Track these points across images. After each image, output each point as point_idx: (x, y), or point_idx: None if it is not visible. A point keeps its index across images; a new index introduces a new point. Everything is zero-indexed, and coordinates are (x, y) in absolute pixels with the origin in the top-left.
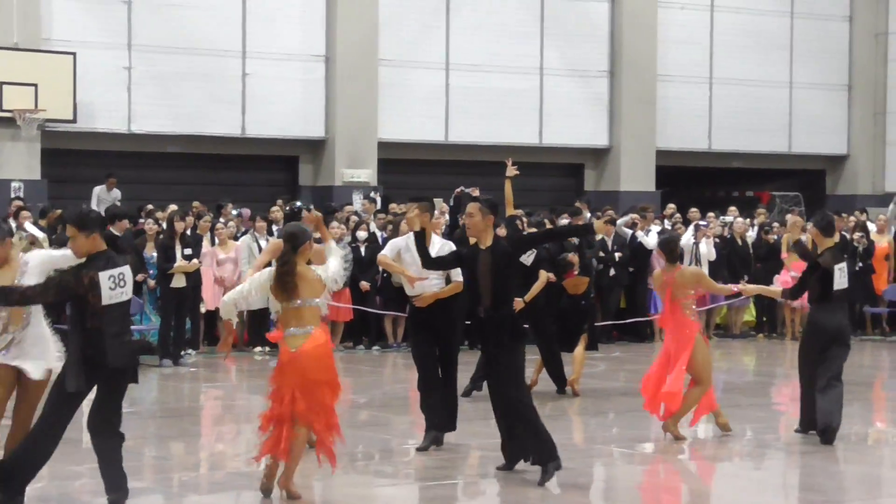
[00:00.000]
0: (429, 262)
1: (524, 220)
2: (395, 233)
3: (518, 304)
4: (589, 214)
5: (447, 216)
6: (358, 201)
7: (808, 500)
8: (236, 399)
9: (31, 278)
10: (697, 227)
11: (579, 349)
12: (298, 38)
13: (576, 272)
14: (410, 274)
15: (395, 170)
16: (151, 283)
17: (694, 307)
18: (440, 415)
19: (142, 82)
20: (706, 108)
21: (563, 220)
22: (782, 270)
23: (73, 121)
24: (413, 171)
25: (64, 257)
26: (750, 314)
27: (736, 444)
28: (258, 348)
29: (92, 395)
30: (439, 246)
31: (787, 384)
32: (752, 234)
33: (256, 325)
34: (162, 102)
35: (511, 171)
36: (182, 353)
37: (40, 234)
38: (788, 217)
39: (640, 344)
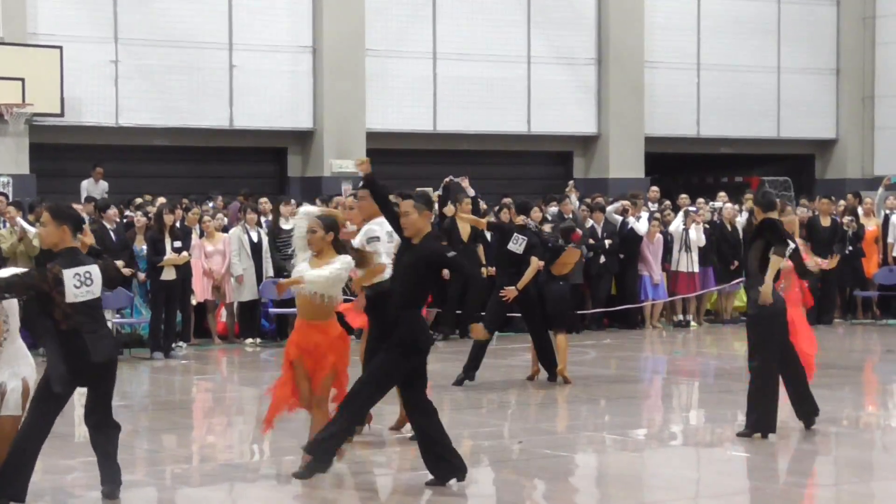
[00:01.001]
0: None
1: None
2: None
3: (510, 292)
4: (577, 201)
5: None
6: (347, 192)
7: (799, 485)
8: (227, 391)
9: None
10: (687, 214)
11: (561, 337)
12: (285, 29)
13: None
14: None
15: (384, 160)
16: (142, 276)
17: (782, 284)
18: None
19: (129, 75)
20: (694, 94)
21: (552, 209)
22: None
23: (61, 115)
24: (401, 161)
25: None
26: (740, 300)
27: (727, 429)
28: (249, 340)
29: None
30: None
31: None
32: (741, 220)
33: (247, 317)
34: (149, 95)
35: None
36: (173, 345)
37: (32, 230)
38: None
39: (631, 331)
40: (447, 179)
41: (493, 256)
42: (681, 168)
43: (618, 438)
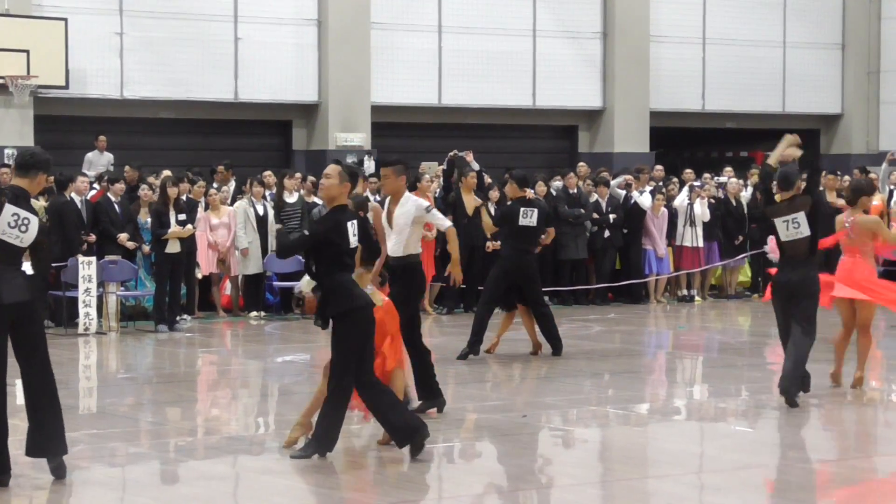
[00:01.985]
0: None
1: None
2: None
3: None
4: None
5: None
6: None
7: (802, 459)
8: (232, 364)
9: None
10: (692, 188)
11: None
12: (290, 2)
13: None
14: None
15: (389, 133)
16: (146, 248)
17: (873, 255)
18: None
19: (134, 48)
20: (699, 68)
21: (557, 183)
22: None
23: (66, 87)
24: (406, 135)
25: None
26: (745, 275)
27: (730, 403)
28: (253, 313)
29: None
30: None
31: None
32: (746, 195)
33: (252, 290)
34: (154, 68)
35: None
36: (177, 318)
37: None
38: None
39: (635, 305)
40: (452, 153)
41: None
42: (686, 143)
43: (621, 413)
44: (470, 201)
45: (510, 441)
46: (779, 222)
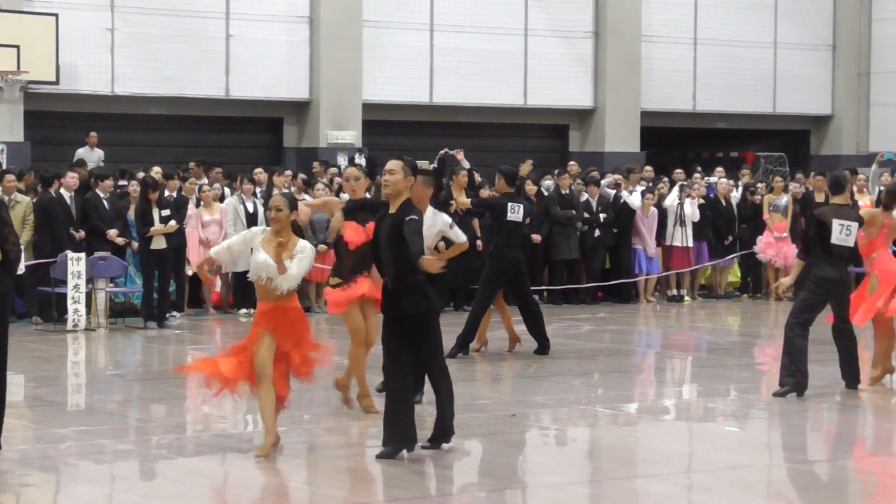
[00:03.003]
0: None
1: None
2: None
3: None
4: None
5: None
6: (343, 163)
7: (790, 460)
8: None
9: None
10: (682, 188)
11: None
12: None
13: None
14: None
15: (380, 131)
16: (136, 245)
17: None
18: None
19: (125, 44)
20: (690, 68)
21: (548, 182)
22: (765, 231)
23: (56, 82)
24: (397, 133)
25: None
26: (735, 275)
27: (719, 403)
28: (243, 310)
29: None
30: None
31: (771, 344)
32: (736, 195)
33: (242, 287)
34: (145, 64)
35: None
36: (167, 315)
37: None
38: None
39: (625, 305)
40: (443, 152)
41: (487, 233)
42: (676, 142)
43: (610, 412)
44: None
45: (499, 440)
46: (835, 224)
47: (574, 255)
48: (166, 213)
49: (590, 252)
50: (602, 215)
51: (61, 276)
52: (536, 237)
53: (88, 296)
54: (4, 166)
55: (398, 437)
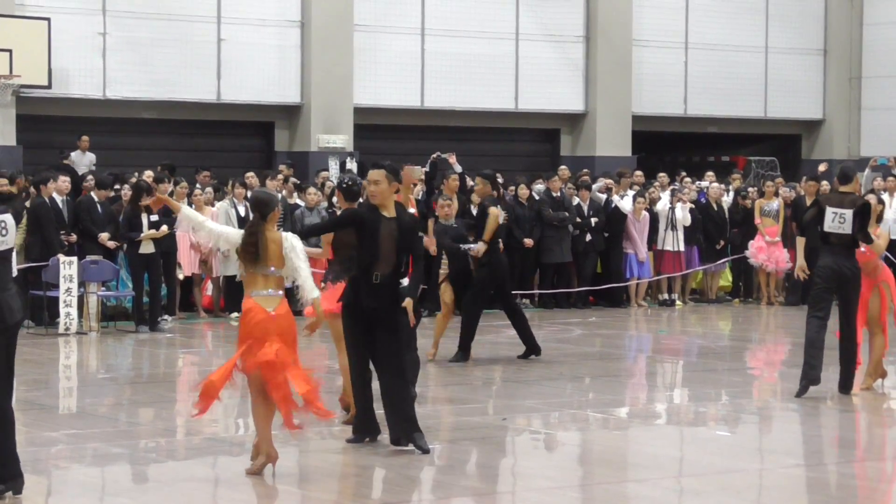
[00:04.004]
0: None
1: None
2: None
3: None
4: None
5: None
6: (334, 167)
7: (782, 464)
8: (213, 365)
9: None
10: (674, 192)
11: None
12: (273, 3)
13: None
14: None
15: (371, 135)
16: (111, 244)
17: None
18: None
19: (117, 48)
20: (682, 72)
21: (539, 186)
22: (756, 236)
23: (48, 86)
24: (389, 137)
25: None
26: (726, 279)
27: (710, 407)
28: (234, 314)
29: None
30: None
31: (763, 349)
32: (727, 199)
33: (234, 291)
34: (137, 68)
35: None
36: (159, 318)
37: None
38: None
39: (616, 309)
40: (434, 156)
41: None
42: (668, 147)
43: (601, 416)
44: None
45: (490, 444)
46: (828, 211)
47: (566, 259)
48: (155, 217)
49: (581, 256)
50: (593, 219)
51: (53, 279)
52: (528, 241)
53: (80, 299)
54: None
55: (364, 427)
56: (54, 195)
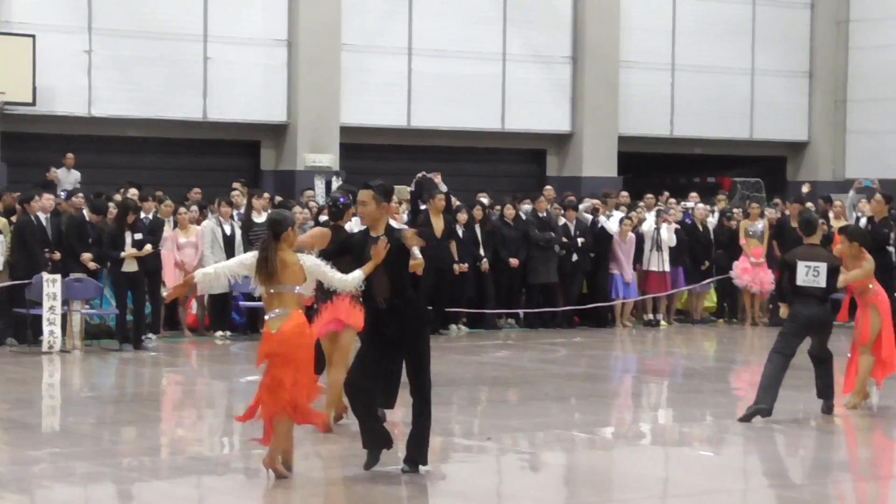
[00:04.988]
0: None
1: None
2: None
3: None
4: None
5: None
6: (320, 186)
7: (766, 485)
8: (197, 384)
9: None
10: (659, 213)
11: None
12: (260, 22)
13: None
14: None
15: (358, 155)
16: (92, 265)
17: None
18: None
19: (102, 66)
20: (668, 94)
21: (526, 206)
22: (741, 257)
23: (33, 104)
24: (375, 156)
25: None
26: (710, 300)
27: (695, 428)
28: (219, 333)
29: None
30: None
31: (747, 370)
32: (712, 220)
33: (218, 310)
34: (123, 86)
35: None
36: (143, 337)
37: None
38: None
39: (601, 329)
40: (420, 175)
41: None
42: (654, 168)
43: (587, 437)
44: (438, 223)
45: (475, 464)
46: (800, 266)
47: (552, 280)
48: (139, 236)
49: (567, 276)
50: (580, 240)
51: (37, 297)
52: (514, 261)
53: (64, 318)
54: None
55: (377, 440)
56: (39, 213)
